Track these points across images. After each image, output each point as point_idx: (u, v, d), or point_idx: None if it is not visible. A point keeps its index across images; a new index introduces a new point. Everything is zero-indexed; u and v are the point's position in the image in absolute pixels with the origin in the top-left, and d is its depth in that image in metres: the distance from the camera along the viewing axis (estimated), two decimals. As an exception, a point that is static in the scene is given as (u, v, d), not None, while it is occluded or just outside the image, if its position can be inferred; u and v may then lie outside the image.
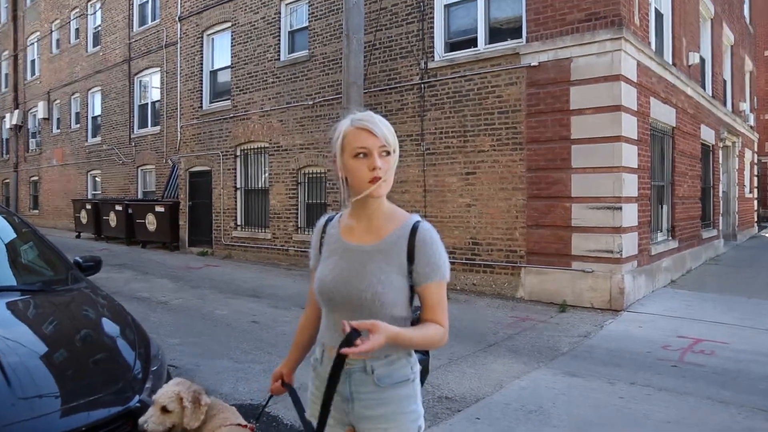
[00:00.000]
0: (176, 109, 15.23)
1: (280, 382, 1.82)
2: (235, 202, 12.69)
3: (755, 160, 18.02)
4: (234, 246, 12.59)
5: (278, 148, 11.65)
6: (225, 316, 6.76)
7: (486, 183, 8.24)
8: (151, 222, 14.13)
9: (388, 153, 1.55)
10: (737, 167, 14.56)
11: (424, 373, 1.70)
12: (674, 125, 9.32)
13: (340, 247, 1.62)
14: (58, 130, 21.11)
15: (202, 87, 13.45)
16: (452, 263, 8.58)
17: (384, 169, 1.53)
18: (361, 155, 1.52)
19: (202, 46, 13.39)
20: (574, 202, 7.43)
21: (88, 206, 16.36)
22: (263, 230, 11.98)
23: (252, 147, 12.34)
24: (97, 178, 19.54)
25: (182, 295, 8.18)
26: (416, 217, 1.60)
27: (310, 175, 11.18)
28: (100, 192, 19.12)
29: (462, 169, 8.52)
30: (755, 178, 18.02)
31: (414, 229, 1.55)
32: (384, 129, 1.55)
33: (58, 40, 21.29)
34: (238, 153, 12.71)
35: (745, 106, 15.92)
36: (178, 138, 14.36)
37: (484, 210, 8.24)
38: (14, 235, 3.46)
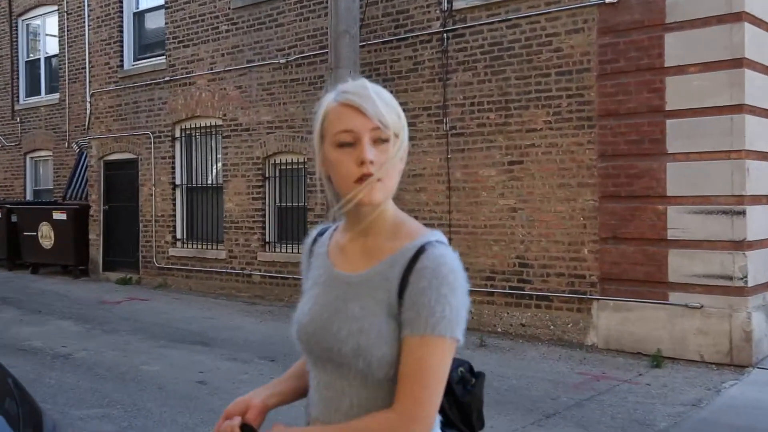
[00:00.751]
0: (84, 68, 15.11)
1: (238, 422, 1.65)
2: (174, 205, 12.54)
3: None
4: (172, 270, 12.48)
5: (237, 127, 11.53)
6: (157, 375, 6.76)
7: (538, 176, 8.23)
8: (46, 235, 13.89)
9: (386, 140, 1.52)
10: None
11: None
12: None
13: (325, 274, 1.65)
14: None
15: (122, 36, 13.42)
16: (490, 293, 8.62)
17: (378, 163, 1.50)
18: (346, 144, 1.51)
19: (121, -25, 13.75)
20: (672, 203, 7.38)
21: (-52, 212, 16.33)
22: (215, 247, 11.93)
23: (198, 125, 12.22)
24: (-36, 171, 19.98)
25: (93, 343, 8.11)
26: (434, 236, 1.56)
27: (284, 167, 11.08)
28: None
29: (503, 157, 8.50)
30: None
31: (418, 253, 1.50)
32: (379, 104, 1.51)
33: None
34: (178, 134, 12.54)
35: None
36: (88, 111, 14.16)
37: (536, 216, 8.24)
38: None
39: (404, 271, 1.49)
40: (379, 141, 1.51)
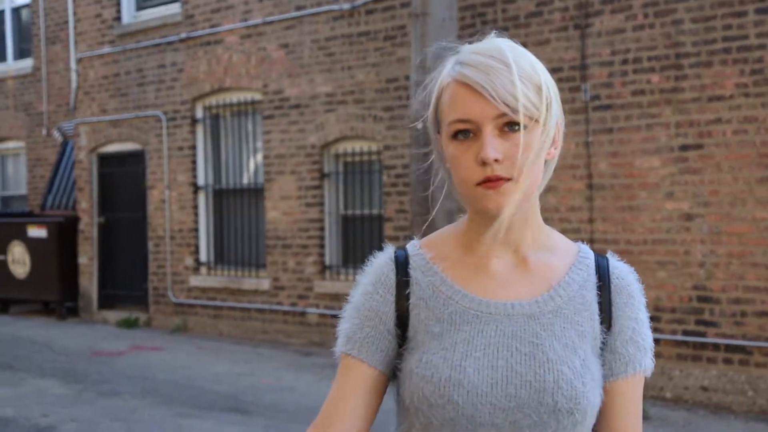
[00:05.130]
0: (66, 23, 14.99)
1: None
2: (196, 215, 12.71)
3: None
4: (194, 307, 12.65)
5: (283, 104, 11.50)
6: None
7: (727, 168, 7.93)
8: (18, 260, 14.30)
9: (517, 125, 1.56)
10: None
11: None
12: None
13: (472, 308, 1.65)
14: None
15: (118, -21, 13.00)
16: (655, 341, 8.02)
17: (509, 158, 1.54)
18: (461, 135, 1.57)
19: None
20: None
21: None
22: (254, 273, 12.00)
23: (228, 102, 12.29)
24: None
25: (85, 411, 8.11)
26: (582, 246, 1.73)
27: (350, 159, 11.05)
28: None
29: (672, 140, 8.26)
30: None
31: (601, 268, 1.68)
32: (508, 79, 1.53)
33: None
34: (200, 114, 12.65)
35: None
36: (73, 84, 14.25)
37: (724, 226, 7.95)
38: None
39: (598, 291, 1.66)
40: (506, 128, 1.56)
